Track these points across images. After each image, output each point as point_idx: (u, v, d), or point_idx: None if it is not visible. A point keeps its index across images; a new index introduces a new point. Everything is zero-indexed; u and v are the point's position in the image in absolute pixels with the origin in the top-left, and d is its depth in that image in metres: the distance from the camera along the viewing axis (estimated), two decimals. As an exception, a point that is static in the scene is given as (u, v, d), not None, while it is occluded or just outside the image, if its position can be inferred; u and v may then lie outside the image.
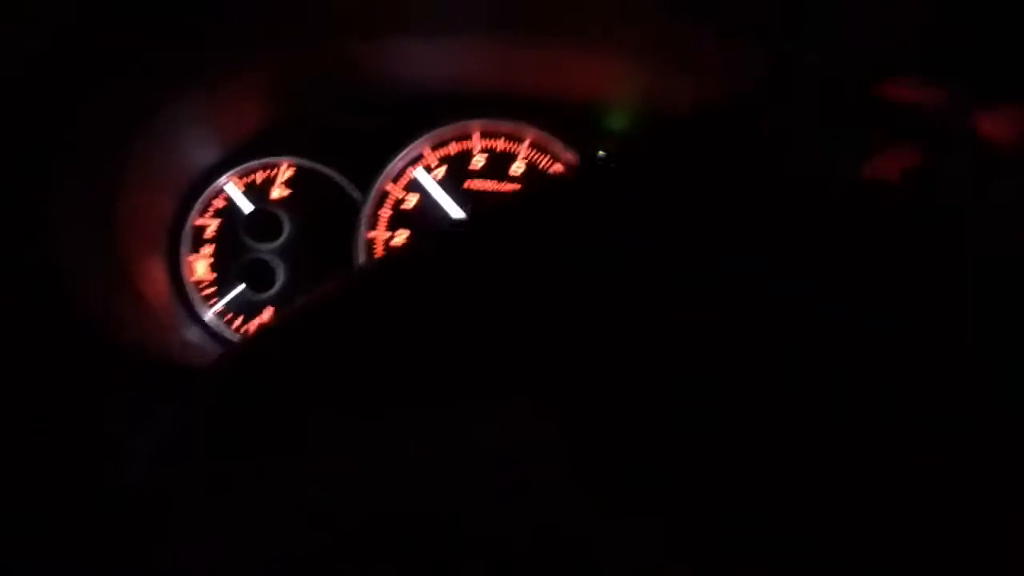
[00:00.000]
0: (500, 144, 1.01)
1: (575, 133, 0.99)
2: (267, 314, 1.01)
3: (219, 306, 1.00)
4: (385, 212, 1.01)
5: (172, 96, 0.89)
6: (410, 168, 1.01)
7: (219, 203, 1.01)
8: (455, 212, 1.00)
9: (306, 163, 1.01)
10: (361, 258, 1.01)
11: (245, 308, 1.01)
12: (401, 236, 1.01)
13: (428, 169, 1.01)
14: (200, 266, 1.01)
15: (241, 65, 0.89)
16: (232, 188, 1.01)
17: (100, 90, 0.83)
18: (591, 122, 0.98)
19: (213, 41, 0.86)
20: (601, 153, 0.99)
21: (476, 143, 1.01)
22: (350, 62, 0.92)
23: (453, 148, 1.01)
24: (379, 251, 1.01)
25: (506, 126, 1.00)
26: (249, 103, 0.95)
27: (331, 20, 0.87)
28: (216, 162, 1.01)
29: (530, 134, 1.00)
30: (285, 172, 1.01)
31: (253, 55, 0.89)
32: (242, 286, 0.99)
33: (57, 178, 0.84)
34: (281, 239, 1.01)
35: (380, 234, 1.01)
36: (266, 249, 1.01)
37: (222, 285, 1.01)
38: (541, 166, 1.00)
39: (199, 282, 1.01)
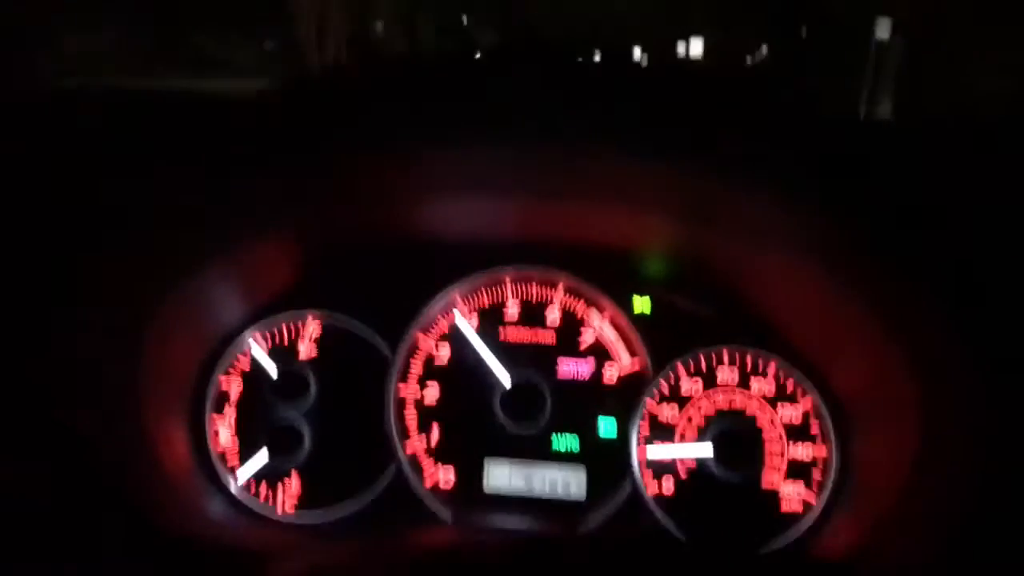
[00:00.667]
0: (534, 291, 0.98)
1: (610, 279, 0.96)
2: (295, 482, 0.95)
3: (245, 475, 0.94)
4: (416, 366, 0.97)
5: (198, 257, 0.86)
6: (441, 318, 0.98)
7: (243, 362, 0.97)
8: (492, 363, 0.95)
9: (333, 317, 0.98)
10: (392, 416, 0.96)
11: (271, 475, 0.95)
12: (433, 393, 0.97)
13: (459, 318, 0.97)
14: (224, 431, 0.96)
15: (269, 227, 0.87)
16: (257, 347, 0.97)
17: (127, 247, 0.80)
18: (626, 269, 0.95)
19: (242, 207, 0.84)
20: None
21: (509, 290, 0.98)
22: (377, 219, 0.90)
23: (486, 297, 0.98)
24: (410, 408, 0.97)
25: (538, 273, 0.97)
26: (275, 261, 0.93)
27: (358, 186, 0.86)
28: (241, 319, 0.97)
29: (563, 280, 0.97)
30: (311, 327, 0.98)
31: (281, 219, 0.87)
32: (266, 454, 0.94)
33: (78, 337, 0.80)
34: (308, 399, 0.96)
35: (412, 389, 0.97)
36: (292, 411, 0.96)
37: (246, 451, 0.95)
38: (578, 314, 0.97)
39: (222, 448, 0.96)
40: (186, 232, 0.82)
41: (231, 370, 0.97)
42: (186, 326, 0.90)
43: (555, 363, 0.96)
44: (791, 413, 0.94)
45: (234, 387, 0.97)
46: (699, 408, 0.95)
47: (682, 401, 0.95)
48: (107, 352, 0.83)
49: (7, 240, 0.73)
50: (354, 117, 0.78)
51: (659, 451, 0.94)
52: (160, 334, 0.87)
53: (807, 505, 0.91)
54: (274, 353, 0.97)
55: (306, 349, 0.97)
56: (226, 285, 0.91)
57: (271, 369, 0.96)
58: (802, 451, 0.93)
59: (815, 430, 0.93)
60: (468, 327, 0.96)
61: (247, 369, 0.97)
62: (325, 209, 0.87)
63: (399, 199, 0.88)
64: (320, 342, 0.98)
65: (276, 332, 0.98)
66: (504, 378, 0.95)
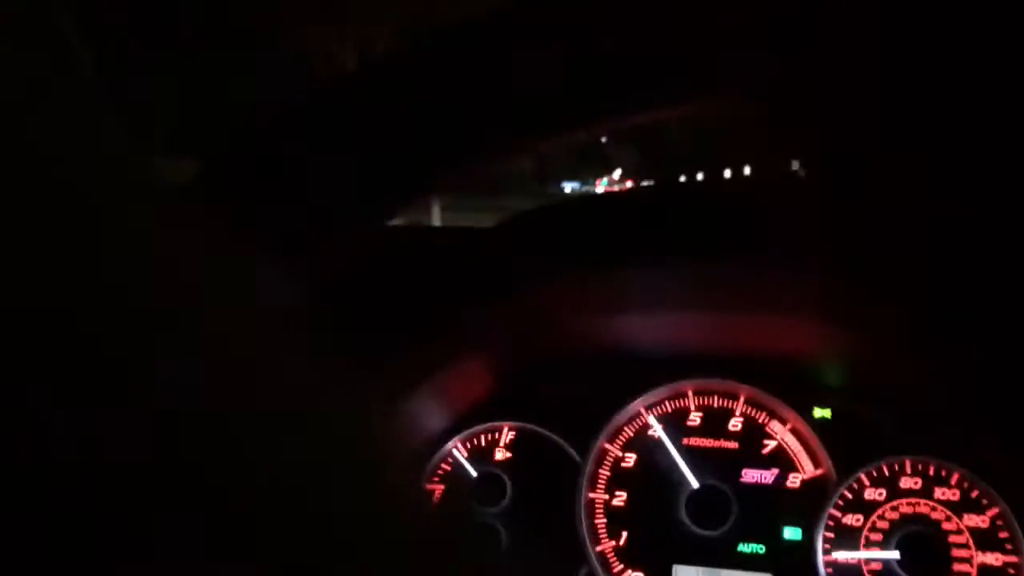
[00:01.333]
0: (715, 401, 1.04)
1: (790, 389, 1.01)
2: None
3: None
4: (604, 472, 1.04)
5: (408, 381, 0.97)
6: (627, 428, 1.04)
7: (445, 467, 1.06)
8: (681, 466, 1.01)
9: (527, 426, 1.06)
10: (583, 520, 1.02)
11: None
12: (621, 497, 1.03)
13: (647, 428, 1.04)
14: (428, 532, 1.04)
15: (472, 350, 0.97)
16: (458, 453, 1.05)
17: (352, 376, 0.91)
18: (806, 378, 1.00)
19: (448, 333, 0.95)
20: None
21: (691, 401, 1.04)
22: (572, 338, 0.99)
23: (669, 407, 1.04)
24: (599, 512, 1.03)
25: (719, 384, 1.03)
26: (474, 379, 1.03)
27: (554, 307, 0.95)
28: (444, 428, 1.06)
29: (744, 391, 1.03)
30: (507, 435, 1.06)
31: (482, 342, 0.97)
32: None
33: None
34: (504, 502, 1.03)
35: (600, 495, 1.03)
36: (490, 512, 1.03)
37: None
38: (759, 423, 1.02)
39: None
40: (397, 358, 0.92)
41: (434, 477, 1.06)
42: (401, 437, 1.00)
43: (738, 470, 1.01)
44: (978, 520, 0.95)
45: (437, 491, 1.05)
46: (883, 515, 0.98)
47: (866, 507, 0.98)
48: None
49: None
50: (560, 248, 0.89)
51: (845, 555, 0.97)
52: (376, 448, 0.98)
53: (1001, 614, 0.92)
54: (472, 460, 1.05)
55: (502, 455, 1.05)
56: (431, 403, 1.01)
57: (471, 472, 1.04)
58: (992, 558, 0.94)
59: (1005, 537, 0.94)
60: (658, 432, 1.03)
61: (448, 473, 1.06)
62: (523, 331, 0.96)
63: (586, 320, 0.97)
64: (514, 448, 1.06)
65: (474, 441, 1.06)
66: (691, 481, 1.00)
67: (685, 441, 1.03)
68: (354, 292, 0.96)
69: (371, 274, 0.93)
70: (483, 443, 1.06)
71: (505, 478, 1.04)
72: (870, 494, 0.98)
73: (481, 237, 0.99)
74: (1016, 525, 0.94)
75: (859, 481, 0.99)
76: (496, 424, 1.06)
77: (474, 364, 1.02)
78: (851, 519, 0.98)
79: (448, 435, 1.06)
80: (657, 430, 1.03)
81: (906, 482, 0.98)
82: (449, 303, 0.93)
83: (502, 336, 0.99)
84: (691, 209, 0.92)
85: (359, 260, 0.97)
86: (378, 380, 0.85)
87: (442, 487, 1.05)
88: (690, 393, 1.04)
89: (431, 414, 1.04)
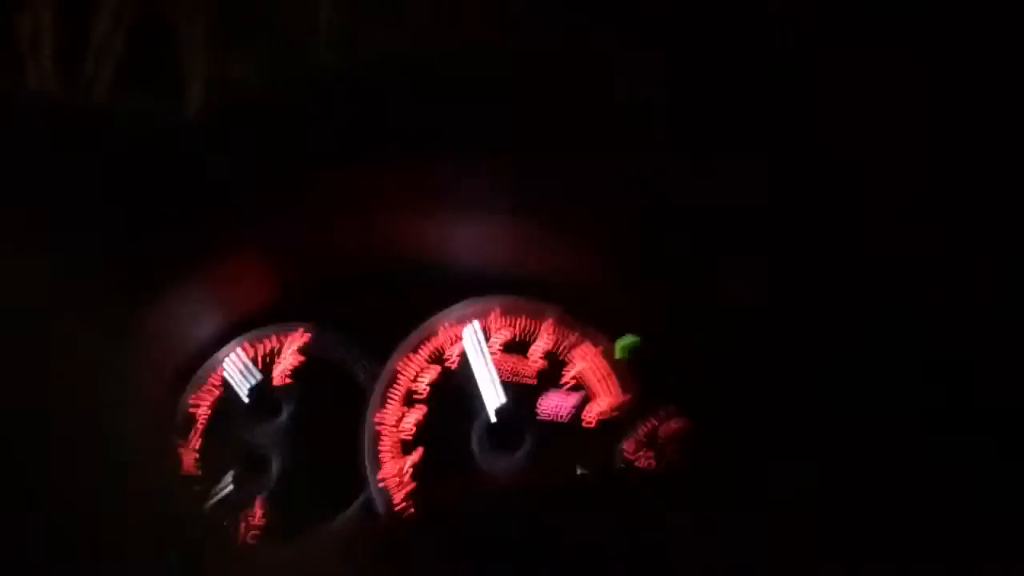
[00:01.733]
0: (521, 324, 0.95)
1: (602, 316, 0.94)
2: (258, 509, 0.91)
3: (210, 504, 0.90)
4: (394, 395, 0.94)
5: (172, 272, 0.83)
6: (423, 348, 0.95)
7: (214, 382, 0.94)
8: (476, 395, 0.92)
9: (315, 342, 0.94)
10: (368, 442, 0.93)
11: (235, 502, 0.91)
12: (410, 422, 0.94)
13: (444, 348, 0.94)
14: (188, 455, 0.92)
15: (249, 242, 0.84)
16: (232, 366, 0.93)
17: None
18: (621, 306, 0.93)
19: (221, 220, 0.81)
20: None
21: (495, 322, 0.95)
22: (362, 244, 0.88)
23: (470, 326, 0.95)
24: (386, 434, 0.93)
25: (527, 305, 0.95)
26: (257, 276, 0.90)
27: (351, 196, 0.83)
28: (214, 336, 0.94)
29: (552, 313, 0.95)
30: (290, 347, 0.94)
31: (264, 233, 0.84)
32: (230, 483, 0.90)
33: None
34: (280, 422, 0.92)
35: (387, 419, 0.93)
36: (263, 434, 0.92)
37: (211, 477, 0.91)
38: (565, 349, 0.94)
39: (188, 474, 0.92)
40: (152, 246, 0.79)
41: (200, 392, 0.93)
42: (155, 343, 0.87)
43: (537, 400, 0.93)
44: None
45: (203, 408, 0.93)
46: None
47: (661, 449, 0.93)
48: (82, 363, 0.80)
49: None
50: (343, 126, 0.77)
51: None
52: (128, 349, 0.84)
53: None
54: (248, 372, 0.93)
55: (283, 367, 0.94)
56: (202, 300, 0.88)
57: (244, 386, 0.92)
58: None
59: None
60: (456, 354, 0.93)
61: (217, 387, 0.94)
62: (305, 230, 0.84)
63: (378, 222, 0.86)
64: (299, 365, 0.94)
65: (253, 355, 0.94)
66: (486, 409, 0.92)
67: (484, 366, 0.94)
68: (105, 184, 0.81)
69: (122, 165, 0.79)
70: (262, 354, 0.94)
71: (286, 397, 0.93)
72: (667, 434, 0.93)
73: (243, 117, 0.85)
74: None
75: (656, 421, 0.93)
76: (280, 336, 0.94)
77: (252, 266, 0.90)
78: (645, 460, 0.92)
79: (219, 344, 0.94)
80: (455, 351, 0.94)
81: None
82: (212, 192, 0.79)
83: (280, 234, 0.87)
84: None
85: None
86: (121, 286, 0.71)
87: (210, 409, 0.93)
88: (495, 313, 0.95)
89: (199, 318, 0.91)
